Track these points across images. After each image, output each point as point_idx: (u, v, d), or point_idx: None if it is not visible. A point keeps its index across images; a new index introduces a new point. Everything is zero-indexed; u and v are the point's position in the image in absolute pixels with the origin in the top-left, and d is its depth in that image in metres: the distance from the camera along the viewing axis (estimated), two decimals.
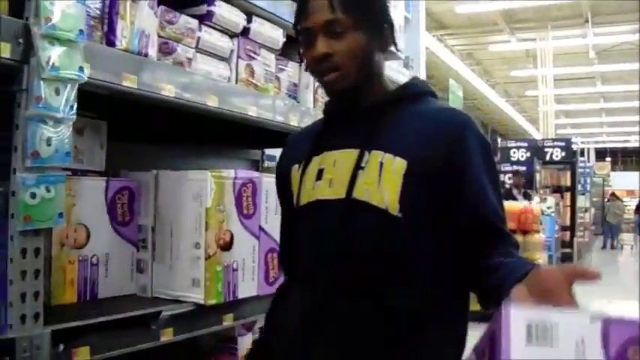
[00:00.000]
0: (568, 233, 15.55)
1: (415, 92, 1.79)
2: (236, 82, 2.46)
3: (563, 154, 15.78)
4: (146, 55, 2.03)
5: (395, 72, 3.87)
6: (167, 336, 2.03)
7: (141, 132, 2.68)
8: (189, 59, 2.24)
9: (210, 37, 2.35)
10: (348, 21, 1.63)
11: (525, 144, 15.80)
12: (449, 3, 16.87)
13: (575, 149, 16.31)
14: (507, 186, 12.61)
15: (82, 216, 2.08)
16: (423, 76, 5.44)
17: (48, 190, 1.64)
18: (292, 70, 2.86)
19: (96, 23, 1.90)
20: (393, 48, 1.80)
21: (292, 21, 2.59)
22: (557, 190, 15.99)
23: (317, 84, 2.93)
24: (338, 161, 1.71)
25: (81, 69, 1.69)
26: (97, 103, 1.82)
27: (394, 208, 1.60)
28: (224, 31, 2.42)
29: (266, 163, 3.81)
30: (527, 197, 11.90)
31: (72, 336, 1.74)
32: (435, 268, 1.63)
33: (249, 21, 2.51)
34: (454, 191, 1.62)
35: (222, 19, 2.36)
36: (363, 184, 1.64)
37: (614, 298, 9.42)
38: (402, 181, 1.61)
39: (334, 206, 1.67)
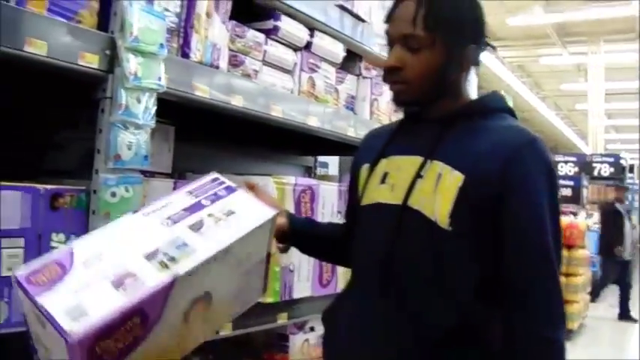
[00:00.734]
0: None
1: (488, 107, 1.75)
2: (298, 94, 2.56)
3: (612, 169, 15.55)
4: (217, 67, 2.15)
5: None
6: (226, 330, 2.13)
7: (205, 136, 2.81)
8: (256, 71, 2.35)
9: (276, 50, 2.45)
10: (426, 39, 1.62)
11: (574, 158, 15.65)
12: (501, 15, 16.81)
13: (624, 165, 16.11)
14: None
15: None
16: (474, 87, 5.49)
17: (127, 190, 1.78)
18: (350, 83, 2.96)
19: (172, 36, 2.02)
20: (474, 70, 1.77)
21: (353, 36, 2.75)
22: None
23: (373, 96, 3.03)
24: (402, 167, 1.71)
25: (160, 79, 1.83)
26: (166, 108, 1.94)
27: (444, 221, 1.59)
28: (288, 45, 2.52)
29: (318, 170, 3.91)
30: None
31: None
32: (475, 285, 1.59)
33: (311, 35, 2.61)
34: (501, 215, 1.58)
35: (287, 33, 2.47)
36: (419, 192, 1.63)
37: None
38: (455, 195, 1.58)
39: (390, 211, 1.67)
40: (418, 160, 1.67)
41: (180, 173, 2.48)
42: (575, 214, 11.44)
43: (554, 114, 26.51)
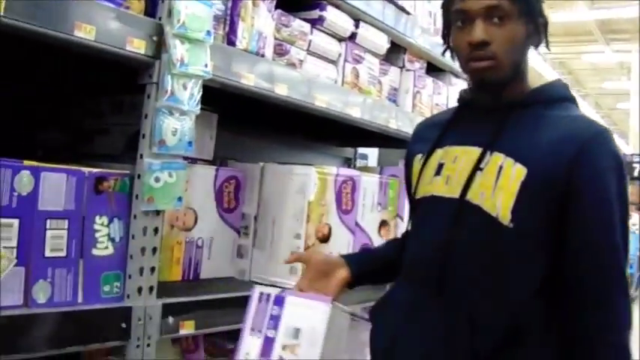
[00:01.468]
0: None
1: (552, 96, 1.68)
2: (342, 84, 2.56)
3: None
4: (263, 56, 2.16)
5: None
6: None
7: (246, 124, 2.82)
8: (301, 61, 2.35)
9: (321, 40, 2.45)
10: (511, 9, 1.55)
11: None
12: (545, 10, 16.65)
13: None
14: None
15: (192, 201, 2.20)
16: None
17: (170, 176, 1.79)
18: (393, 75, 2.95)
19: (218, 24, 2.03)
20: (544, 45, 1.70)
21: (397, 28, 2.73)
22: None
23: (416, 89, 3.02)
24: (459, 158, 1.65)
25: (206, 66, 1.83)
26: (209, 95, 1.94)
27: (505, 217, 1.53)
28: (333, 36, 2.52)
29: (358, 161, 3.91)
30: None
31: (179, 310, 1.88)
32: (535, 283, 1.54)
33: (356, 26, 2.61)
34: (568, 212, 1.52)
35: (333, 24, 2.47)
36: (479, 186, 1.58)
37: None
38: (518, 190, 1.52)
39: (447, 205, 1.62)
40: (476, 151, 1.62)
41: (222, 160, 2.50)
42: None
43: (595, 112, 26.22)
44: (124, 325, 1.73)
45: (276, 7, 2.25)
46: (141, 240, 1.77)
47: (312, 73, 2.40)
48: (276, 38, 2.25)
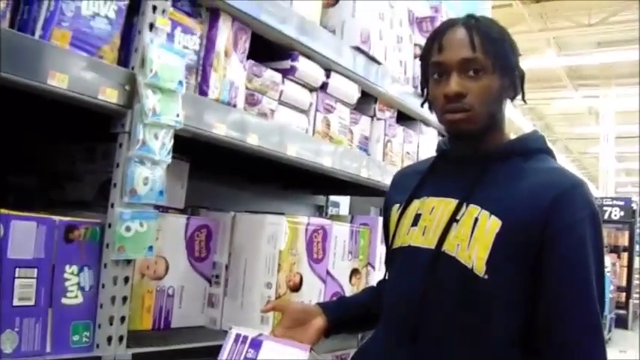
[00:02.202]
0: (624, 294, 15.25)
1: (529, 148, 1.70)
2: (313, 134, 2.58)
3: (622, 213, 15.49)
4: (234, 106, 2.17)
5: None
6: None
7: (218, 173, 2.83)
8: (272, 111, 2.36)
9: (292, 90, 2.47)
10: (486, 62, 1.59)
11: None
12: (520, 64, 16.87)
13: (634, 209, 16.05)
14: None
15: (163, 249, 2.20)
16: None
17: (141, 225, 1.79)
18: (364, 124, 2.97)
19: (190, 74, 2.04)
20: (520, 97, 1.74)
21: (367, 77, 2.77)
22: (615, 250, 15.71)
23: (387, 137, 3.05)
24: (436, 209, 1.67)
25: (178, 116, 1.85)
26: (180, 144, 1.95)
27: (480, 269, 1.53)
28: (305, 85, 2.54)
29: (330, 209, 3.91)
30: None
31: None
32: (510, 334, 1.54)
33: (327, 76, 2.63)
34: (543, 262, 1.53)
35: (304, 74, 2.49)
36: (454, 238, 1.59)
37: None
38: (493, 242, 1.53)
39: (423, 255, 1.63)
40: (453, 202, 1.64)
41: (193, 209, 2.50)
42: None
43: (565, 157, 26.51)
44: None
45: (248, 58, 2.26)
46: (111, 289, 1.76)
47: (284, 123, 2.42)
48: (247, 88, 2.26)
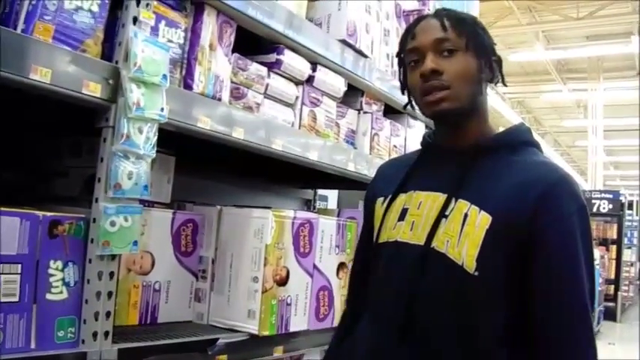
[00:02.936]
0: (612, 287, 15.31)
1: (516, 141, 1.69)
2: (299, 127, 2.57)
3: (611, 206, 15.55)
4: (219, 99, 2.17)
5: None
6: None
7: (204, 167, 2.82)
8: (258, 104, 2.36)
9: (278, 83, 2.46)
10: (459, 41, 1.60)
11: None
12: (502, 51, 16.93)
13: (623, 202, 16.12)
14: None
15: (149, 244, 2.19)
16: None
17: (126, 220, 1.79)
18: (351, 118, 2.97)
19: (175, 67, 2.03)
20: (501, 83, 1.74)
21: (354, 71, 2.76)
22: (603, 242, 15.78)
23: (374, 131, 3.04)
24: (423, 204, 1.65)
25: (162, 110, 1.84)
26: (167, 138, 1.95)
27: (470, 266, 1.52)
28: (290, 79, 2.53)
29: (318, 203, 3.91)
30: None
31: (135, 355, 1.86)
32: (502, 330, 1.52)
33: (313, 69, 2.62)
34: (532, 257, 1.51)
35: (290, 67, 2.48)
36: (444, 234, 1.57)
37: None
38: (483, 238, 1.51)
39: (412, 252, 1.61)
40: (441, 197, 1.62)
41: (179, 203, 2.49)
42: None
43: (554, 150, 26.59)
44: None
45: (234, 51, 2.26)
46: (96, 284, 1.75)
47: (270, 116, 2.41)
48: (233, 82, 2.25)
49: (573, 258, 1.51)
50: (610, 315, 14.46)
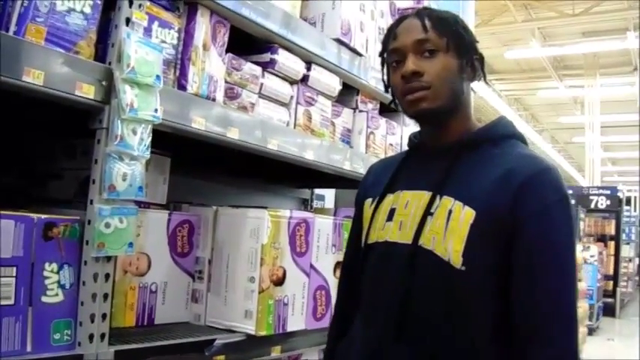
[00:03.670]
0: (611, 283, 15.34)
1: (499, 134, 1.70)
2: (294, 127, 2.57)
3: (609, 202, 15.59)
4: (214, 100, 2.16)
5: None
6: None
7: (200, 168, 2.82)
8: (253, 104, 2.36)
9: (273, 83, 2.46)
10: (440, 42, 1.61)
11: (570, 191, 15.67)
12: (498, 49, 16.94)
13: (620, 197, 16.14)
14: None
15: (145, 245, 2.19)
16: None
17: (121, 221, 1.78)
18: (346, 116, 2.97)
19: (169, 68, 2.03)
20: (482, 81, 1.75)
21: (349, 70, 2.76)
22: (602, 238, 15.81)
23: (369, 129, 3.04)
24: (410, 203, 1.66)
25: (156, 111, 1.84)
26: (162, 139, 1.95)
27: (457, 261, 1.53)
28: (285, 78, 2.53)
29: (315, 202, 3.91)
30: None
31: (132, 357, 1.86)
32: (493, 325, 1.53)
33: (308, 69, 2.62)
34: (515, 248, 1.52)
35: (284, 66, 2.47)
36: (430, 231, 1.58)
37: None
38: (468, 233, 1.52)
39: (401, 251, 1.62)
40: (426, 195, 1.63)
41: (176, 204, 2.49)
42: None
43: (551, 147, 26.60)
44: None
45: (227, 51, 2.25)
46: (92, 286, 1.74)
47: (265, 116, 2.41)
48: (227, 82, 2.25)
49: (555, 250, 1.52)
50: (609, 311, 14.49)
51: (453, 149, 1.66)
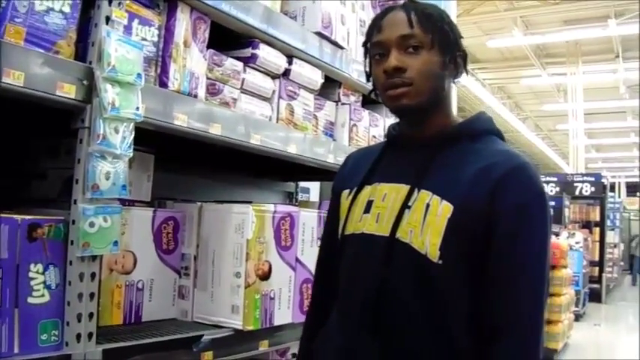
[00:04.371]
0: (597, 269, 15.42)
1: (477, 130, 1.71)
2: (277, 121, 2.57)
3: (593, 189, 15.66)
4: (195, 96, 2.16)
5: None
6: (207, 359, 2.13)
7: (184, 164, 2.81)
8: (235, 99, 2.36)
9: (254, 78, 2.46)
10: (424, 38, 1.60)
11: (555, 179, 15.76)
12: (481, 37, 16.97)
13: (605, 184, 16.22)
14: None
15: (131, 243, 2.19)
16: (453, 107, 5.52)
17: (105, 220, 1.78)
18: (329, 110, 2.97)
19: (150, 66, 2.03)
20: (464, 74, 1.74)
21: (331, 63, 2.76)
22: (587, 225, 15.88)
23: (352, 122, 3.05)
24: (388, 196, 1.66)
25: (137, 109, 1.83)
26: (146, 136, 1.95)
27: (434, 255, 1.53)
28: (267, 73, 2.53)
29: (300, 195, 3.92)
30: None
31: (120, 355, 1.86)
32: (468, 317, 1.53)
33: (289, 63, 2.62)
34: (490, 242, 1.52)
35: (266, 61, 2.48)
36: (407, 224, 1.58)
37: None
38: (445, 227, 1.52)
39: (378, 243, 1.62)
40: (404, 188, 1.63)
41: (160, 201, 2.49)
42: (557, 234, 11.46)
43: (535, 135, 26.69)
44: None
45: (209, 47, 2.25)
46: (78, 286, 1.74)
47: (247, 111, 2.41)
48: (208, 78, 2.25)
49: (528, 243, 1.53)
50: (595, 296, 14.58)
51: (432, 144, 1.66)
